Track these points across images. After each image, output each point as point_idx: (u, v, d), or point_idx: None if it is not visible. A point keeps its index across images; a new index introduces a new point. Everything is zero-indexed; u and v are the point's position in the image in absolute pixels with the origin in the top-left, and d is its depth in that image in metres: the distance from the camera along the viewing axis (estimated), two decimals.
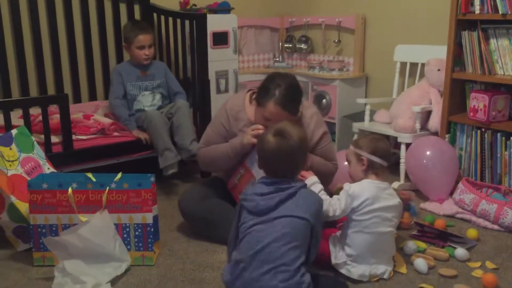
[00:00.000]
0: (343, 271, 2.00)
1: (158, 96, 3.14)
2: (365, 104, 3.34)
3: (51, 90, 3.34)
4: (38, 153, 2.42)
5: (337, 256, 2.02)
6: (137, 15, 3.56)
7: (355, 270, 1.98)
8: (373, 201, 1.97)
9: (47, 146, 2.60)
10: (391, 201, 2.02)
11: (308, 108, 2.38)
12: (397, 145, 3.18)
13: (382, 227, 1.98)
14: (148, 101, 3.11)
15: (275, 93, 2.16)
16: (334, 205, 1.98)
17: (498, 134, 2.72)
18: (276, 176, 1.87)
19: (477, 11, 2.72)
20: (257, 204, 1.83)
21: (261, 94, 2.21)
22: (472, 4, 2.75)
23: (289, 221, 1.78)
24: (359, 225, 1.97)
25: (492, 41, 2.75)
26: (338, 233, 2.11)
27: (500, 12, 2.62)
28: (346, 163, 2.22)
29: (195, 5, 3.70)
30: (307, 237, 1.82)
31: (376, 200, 1.98)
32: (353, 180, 2.11)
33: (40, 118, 2.60)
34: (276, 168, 1.87)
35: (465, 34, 2.82)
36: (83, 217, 2.05)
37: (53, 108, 2.85)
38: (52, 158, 2.53)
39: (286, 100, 2.16)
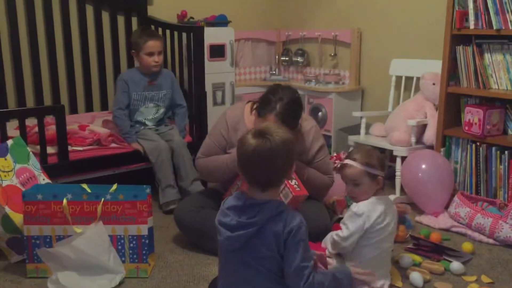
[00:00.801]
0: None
1: (162, 110, 3.11)
2: (361, 117, 3.36)
3: (47, 101, 3.34)
4: (34, 164, 2.41)
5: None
6: (134, 27, 3.58)
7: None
8: (384, 218, 1.94)
9: (42, 157, 2.59)
10: (394, 215, 2.01)
11: (306, 121, 2.39)
12: (393, 158, 3.19)
13: (387, 242, 1.97)
14: (150, 113, 3.08)
15: (276, 106, 2.15)
16: (341, 233, 1.92)
17: (493, 148, 2.73)
18: (255, 185, 1.62)
19: (472, 26, 2.75)
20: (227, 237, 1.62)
21: (262, 105, 2.20)
22: (467, 20, 2.79)
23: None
24: (367, 241, 1.93)
25: (487, 56, 2.78)
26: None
27: (494, 28, 2.65)
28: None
29: (192, 17, 3.73)
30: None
31: (385, 216, 1.94)
32: (359, 199, 1.99)
33: (36, 129, 2.60)
34: (254, 174, 1.61)
35: (459, 49, 2.84)
36: (77, 229, 2.04)
37: (49, 119, 2.84)
38: (47, 169, 2.52)
39: (286, 115, 2.15)
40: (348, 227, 1.92)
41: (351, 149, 3.32)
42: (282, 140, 1.59)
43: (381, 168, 1.99)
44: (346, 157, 2.02)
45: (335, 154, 2.12)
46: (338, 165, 2.03)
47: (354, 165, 1.96)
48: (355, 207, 1.94)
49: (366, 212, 1.91)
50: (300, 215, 1.62)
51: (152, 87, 3.06)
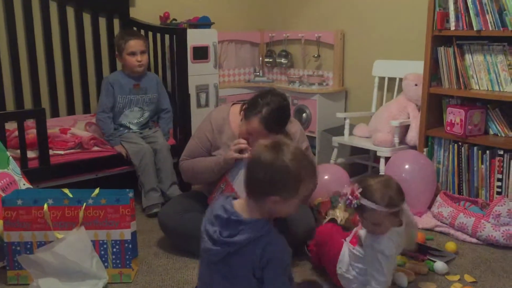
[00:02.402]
0: (342, 282, 1.96)
1: (146, 114, 3.09)
2: (345, 118, 3.37)
3: (28, 104, 3.29)
4: (14, 169, 2.37)
5: (348, 269, 1.95)
6: (116, 29, 3.54)
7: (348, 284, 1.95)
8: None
9: (23, 161, 2.55)
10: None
11: (291, 123, 2.39)
12: (376, 159, 3.21)
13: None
14: (135, 117, 3.06)
15: (262, 110, 2.14)
16: (380, 278, 1.81)
17: (475, 148, 2.76)
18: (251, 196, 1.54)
19: (453, 28, 2.78)
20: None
21: (250, 107, 2.19)
22: (448, 21, 2.81)
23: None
24: None
25: (467, 57, 2.81)
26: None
27: (474, 29, 2.68)
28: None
29: (175, 19, 3.70)
30: None
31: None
32: (373, 233, 1.85)
33: (16, 133, 2.55)
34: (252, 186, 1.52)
35: (441, 50, 2.87)
36: (59, 234, 2.01)
37: (30, 123, 2.80)
38: (28, 173, 2.48)
39: (271, 120, 2.14)
40: (384, 272, 1.80)
41: (334, 150, 3.33)
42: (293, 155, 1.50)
43: (402, 199, 1.83)
44: (363, 194, 1.80)
45: (349, 190, 1.82)
46: (355, 205, 1.81)
47: (378, 209, 1.77)
48: (383, 250, 1.80)
49: (393, 248, 1.82)
50: (283, 240, 1.55)
51: (137, 91, 3.03)
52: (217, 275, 1.57)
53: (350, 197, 1.82)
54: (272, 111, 2.14)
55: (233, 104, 2.45)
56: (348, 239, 2.02)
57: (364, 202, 1.79)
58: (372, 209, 1.78)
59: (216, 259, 1.54)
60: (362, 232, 1.92)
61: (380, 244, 1.81)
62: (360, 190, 1.81)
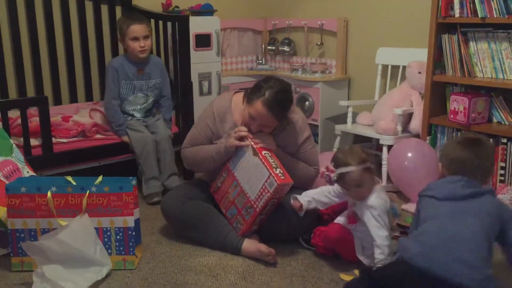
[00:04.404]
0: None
1: (151, 100, 3.07)
2: (348, 107, 3.36)
3: (30, 92, 3.29)
4: (17, 156, 2.38)
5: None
6: (118, 16, 3.52)
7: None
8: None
9: (26, 149, 2.56)
10: None
11: (294, 112, 2.39)
12: (379, 147, 3.20)
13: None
14: (139, 103, 3.04)
15: (265, 93, 2.16)
16: (381, 233, 1.95)
17: None
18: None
19: (457, 15, 2.76)
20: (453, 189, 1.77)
21: (253, 91, 2.21)
22: (452, 8, 2.79)
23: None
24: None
25: (472, 44, 2.79)
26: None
27: (479, 16, 2.66)
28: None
29: (177, 6, 3.68)
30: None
31: None
32: (365, 197, 2.02)
33: (19, 121, 2.56)
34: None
35: (445, 37, 2.85)
36: (62, 221, 2.02)
37: (33, 111, 2.80)
38: (31, 161, 2.49)
39: (274, 103, 2.16)
40: (382, 224, 1.96)
41: (337, 138, 3.33)
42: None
43: (368, 155, 2.03)
44: (336, 166, 2.02)
45: (324, 169, 2.10)
46: (335, 177, 2.02)
47: (353, 169, 1.96)
48: (374, 205, 1.97)
49: (383, 202, 1.99)
50: None
51: (141, 76, 2.99)
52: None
53: (327, 173, 2.04)
54: (275, 93, 2.16)
55: (236, 92, 2.45)
56: (342, 220, 2.13)
57: (340, 170, 1.99)
58: (349, 173, 1.96)
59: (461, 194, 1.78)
60: (355, 208, 2.05)
61: (369, 201, 1.98)
62: (333, 163, 2.03)
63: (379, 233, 1.94)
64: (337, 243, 2.11)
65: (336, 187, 2.11)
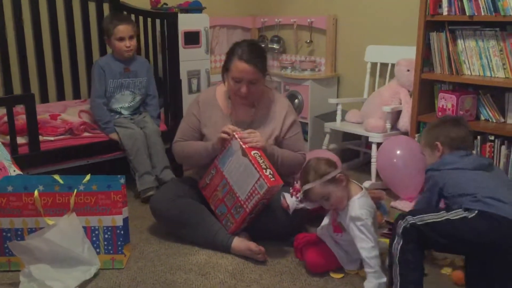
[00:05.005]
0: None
1: (138, 98, 3.06)
2: (337, 104, 3.37)
3: (17, 90, 3.25)
4: (3, 155, 2.34)
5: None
6: (106, 14, 3.49)
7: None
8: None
9: (12, 147, 2.53)
10: None
11: (280, 97, 2.46)
12: (368, 144, 3.21)
13: None
14: (126, 101, 3.03)
15: (237, 51, 2.25)
16: (366, 245, 1.88)
17: None
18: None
19: (445, 13, 2.77)
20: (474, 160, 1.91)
21: (226, 60, 2.32)
22: (440, 6, 2.80)
23: None
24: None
25: (460, 42, 2.80)
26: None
27: (467, 14, 2.67)
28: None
29: (166, 4, 3.65)
30: None
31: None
32: (342, 206, 1.97)
33: (5, 118, 2.53)
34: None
35: (433, 35, 2.86)
36: (50, 221, 2.00)
37: (19, 109, 2.77)
38: (18, 160, 2.45)
39: (249, 54, 2.24)
40: (368, 237, 1.87)
41: (327, 136, 3.34)
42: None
43: (333, 166, 1.97)
44: (301, 184, 1.98)
45: (291, 189, 2.16)
46: (300, 197, 2.02)
47: (313, 186, 1.93)
48: (357, 216, 1.88)
49: (366, 211, 1.91)
50: None
51: (128, 74, 3.01)
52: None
53: (293, 193, 2.10)
54: (246, 46, 2.27)
55: (219, 84, 2.49)
56: (327, 222, 2.08)
57: (304, 187, 1.95)
58: (311, 189, 1.93)
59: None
60: (339, 218, 2.00)
61: (353, 212, 1.90)
62: (297, 183, 2.03)
63: (364, 246, 1.86)
64: (319, 267, 2.06)
65: None
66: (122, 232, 2.07)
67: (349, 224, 1.93)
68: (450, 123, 2.02)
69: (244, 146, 2.15)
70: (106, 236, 2.07)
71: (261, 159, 2.14)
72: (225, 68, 2.33)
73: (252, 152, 2.15)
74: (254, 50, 2.26)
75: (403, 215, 1.79)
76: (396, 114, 3.14)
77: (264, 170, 2.09)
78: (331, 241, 2.07)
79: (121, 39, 2.93)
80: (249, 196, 2.13)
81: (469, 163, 1.88)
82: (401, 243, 1.73)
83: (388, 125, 3.07)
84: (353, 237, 1.91)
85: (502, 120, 2.76)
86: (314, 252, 2.06)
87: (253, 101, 2.38)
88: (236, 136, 2.18)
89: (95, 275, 2.02)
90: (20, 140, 2.59)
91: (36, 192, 2.01)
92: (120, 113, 3.03)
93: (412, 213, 1.79)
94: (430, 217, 1.74)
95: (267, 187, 2.06)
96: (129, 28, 2.97)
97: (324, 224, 2.10)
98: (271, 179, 2.08)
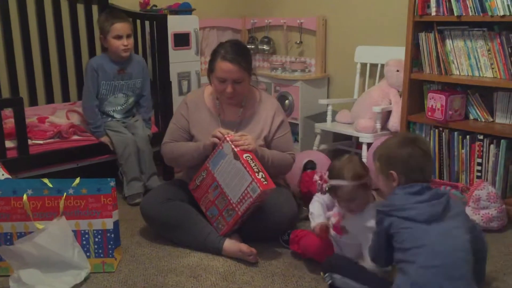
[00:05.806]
0: None
1: (131, 100, 3.02)
2: (327, 105, 3.38)
3: (5, 93, 3.22)
4: None
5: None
6: (95, 16, 3.47)
7: None
8: None
9: (1, 151, 2.50)
10: None
11: (268, 98, 2.47)
12: (359, 145, 3.23)
13: None
14: (119, 103, 2.99)
15: (220, 51, 2.27)
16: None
17: (455, 133, 2.79)
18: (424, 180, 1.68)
19: (433, 13, 2.79)
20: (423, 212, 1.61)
21: (210, 61, 2.33)
22: (429, 6, 2.82)
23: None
24: None
25: (448, 42, 2.82)
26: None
27: (455, 14, 2.69)
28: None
29: (155, 5, 3.64)
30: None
31: None
32: (358, 211, 1.90)
33: None
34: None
35: (422, 35, 2.88)
36: (39, 225, 1.98)
37: (8, 112, 2.74)
38: (6, 163, 2.43)
39: (233, 54, 2.25)
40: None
41: (317, 137, 3.34)
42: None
43: (368, 171, 1.89)
44: (330, 175, 1.89)
45: (318, 176, 1.93)
46: (326, 188, 1.89)
47: (346, 184, 1.83)
48: (372, 224, 1.78)
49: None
50: None
51: (122, 76, 2.95)
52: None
53: (319, 182, 1.90)
54: (229, 46, 2.28)
55: (207, 85, 2.49)
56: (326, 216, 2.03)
57: (333, 182, 1.86)
58: (342, 186, 1.84)
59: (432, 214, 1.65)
60: (345, 221, 1.94)
61: (370, 223, 1.81)
62: (327, 173, 1.90)
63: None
64: (316, 254, 2.07)
65: (327, 196, 2.02)
66: (112, 235, 2.06)
67: (363, 232, 1.84)
68: (407, 148, 1.71)
69: (236, 149, 2.14)
70: (97, 239, 2.06)
71: (253, 162, 2.13)
72: (210, 69, 2.34)
73: (244, 155, 2.14)
74: (238, 50, 2.27)
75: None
76: (386, 114, 3.15)
77: (256, 174, 2.08)
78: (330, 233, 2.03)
79: (119, 37, 2.86)
80: (241, 199, 2.12)
81: (421, 212, 1.61)
82: None
83: (378, 126, 3.08)
84: (363, 244, 1.85)
85: (491, 119, 2.78)
86: (311, 238, 2.08)
87: (240, 101, 2.38)
88: (228, 138, 2.17)
89: (86, 279, 2.00)
90: (9, 144, 2.57)
91: (25, 196, 2.00)
92: (112, 116, 3.00)
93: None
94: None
95: (260, 191, 2.05)
96: (127, 26, 2.90)
97: (329, 216, 2.02)
98: (264, 183, 2.07)
